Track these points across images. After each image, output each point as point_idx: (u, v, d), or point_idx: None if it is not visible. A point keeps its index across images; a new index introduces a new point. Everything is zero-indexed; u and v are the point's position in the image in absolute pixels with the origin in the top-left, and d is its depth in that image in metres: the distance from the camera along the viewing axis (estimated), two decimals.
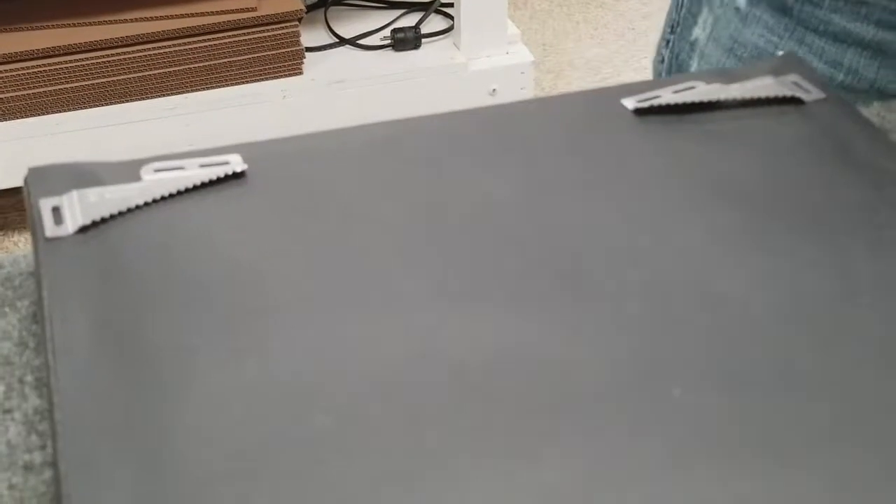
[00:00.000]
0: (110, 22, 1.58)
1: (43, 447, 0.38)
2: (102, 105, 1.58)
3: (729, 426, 0.35)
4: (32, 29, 1.56)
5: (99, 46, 1.55)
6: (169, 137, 1.60)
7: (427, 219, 0.44)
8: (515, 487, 0.33)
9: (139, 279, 0.41)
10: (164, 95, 1.60)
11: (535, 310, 0.39)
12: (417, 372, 0.37)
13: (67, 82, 1.56)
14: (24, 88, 1.54)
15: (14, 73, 1.53)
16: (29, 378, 0.41)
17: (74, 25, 1.57)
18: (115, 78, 1.57)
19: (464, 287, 0.40)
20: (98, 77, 1.56)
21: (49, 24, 1.57)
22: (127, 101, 1.59)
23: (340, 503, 0.33)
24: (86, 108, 1.58)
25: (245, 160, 0.46)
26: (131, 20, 1.58)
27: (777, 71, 0.51)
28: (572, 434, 0.35)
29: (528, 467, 0.34)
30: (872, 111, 0.58)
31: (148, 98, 1.60)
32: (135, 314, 0.39)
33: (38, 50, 1.53)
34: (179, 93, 1.61)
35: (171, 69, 1.59)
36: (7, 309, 0.44)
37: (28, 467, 0.38)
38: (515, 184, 0.45)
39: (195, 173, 0.45)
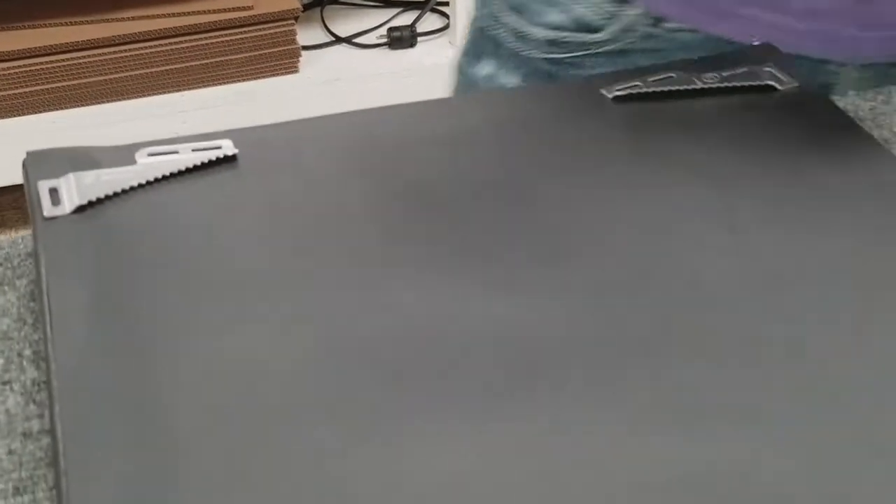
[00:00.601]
0: (107, 20, 1.59)
1: (41, 416, 0.40)
2: (99, 103, 1.60)
3: (693, 394, 0.37)
4: (29, 27, 1.58)
5: (96, 45, 1.56)
6: (165, 135, 1.61)
7: (411, 200, 0.45)
8: (485, 448, 0.35)
9: (133, 257, 0.42)
10: (160, 93, 1.62)
11: (513, 285, 0.41)
12: (397, 342, 0.38)
13: (64, 80, 1.57)
14: (22, 86, 1.56)
15: (11, 71, 1.55)
16: (27, 352, 0.43)
17: (71, 24, 1.58)
18: (111, 76, 1.59)
19: (445, 264, 0.42)
20: (95, 75, 1.58)
21: (46, 22, 1.58)
22: (124, 99, 1.61)
23: (321, 465, 0.35)
24: (82, 105, 1.59)
25: (236, 145, 0.48)
26: (128, 18, 1.59)
27: (753, 60, 0.53)
28: (545, 399, 0.36)
29: (499, 430, 0.35)
30: (848, 101, 0.59)
31: (144, 96, 1.61)
32: (128, 290, 0.41)
33: (35, 48, 1.54)
34: (176, 91, 1.62)
35: (168, 67, 1.61)
36: (6, 287, 0.46)
37: (27, 434, 0.39)
38: (496, 166, 0.47)
39: (188, 157, 0.47)
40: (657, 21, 0.58)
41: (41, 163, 0.46)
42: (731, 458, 0.34)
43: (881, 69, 0.60)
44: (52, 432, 0.37)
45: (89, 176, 0.45)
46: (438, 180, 0.47)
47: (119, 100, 1.60)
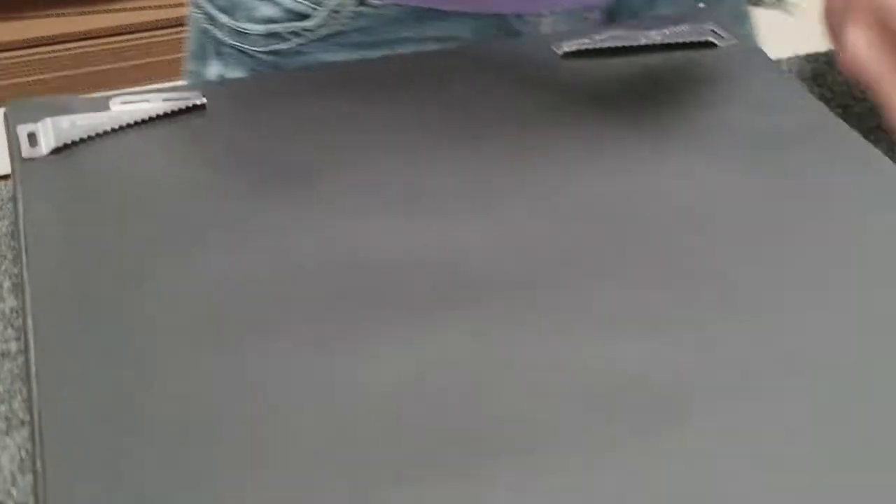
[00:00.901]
0: (106, 11, 1.62)
1: (17, 339, 0.43)
2: (98, 92, 1.62)
3: (615, 306, 0.40)
4: (27, 18, 1.61)
5: (95, 35, 1.59)
6: None
7: (365, 146, 0.48)
8: (424, 356, 0.38)
9: (104, 195, 0.46)
10: (155, 83, 1.65)
11: (450, 219, 0.44)
12: (350, 267, 0.42)
13: (63, 70, 1.60)
14: (20, 76, 1.58)
15: (8, 62, 1.57)
16: (7, 284, 0.46)
17: (71, 14, 1.61)
18: (110, 66, 1.61)
19: (393, 200, 0.45)
20: (94, 65, 1.60)
21: (45, 12, 1.61)
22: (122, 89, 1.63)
23: (267, 369, 0.38)
24: (82, 94, 1.62)
25: (205, 95, 0.51)
26: (129, 9, 1.61)
27: (695, 19, 0.56)
28: (477, 311, 0.40)
29: (423, 336, 0.39)
30: (793, 62, 0.62)
31: (139, 86, 1.64)
32: (99, 225, 0.44)
33: (33, 38, 1.57)
34: (170, 81, 1.65)
35: (167, 58, 1.63)
36: None
37: (5, 354, 0.42)
38: (453, 116, 0.50)
39: (158, 105, 0.50)
40: (362, 0, 0.61)
41: (21, 110, 0.49)
42: (643, 360, 0.38)
43: (577, 14, 0.62)
44: (25, 351, 0.40)
45: (65, 121, 0.48)
46: (396, 129, 0.50)
47: (114, 90, 1.63)
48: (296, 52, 0.61)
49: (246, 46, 0.62)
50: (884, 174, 0.47)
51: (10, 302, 0.45)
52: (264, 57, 0.62)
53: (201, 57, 0.65)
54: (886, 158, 0.47)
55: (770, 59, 0.55)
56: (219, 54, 0.63)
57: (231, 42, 0.62)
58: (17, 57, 1.57)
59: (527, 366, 0.38)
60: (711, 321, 0.39)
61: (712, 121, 0.50)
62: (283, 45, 0.61)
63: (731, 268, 0.42)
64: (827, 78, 0.61)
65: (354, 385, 0.37)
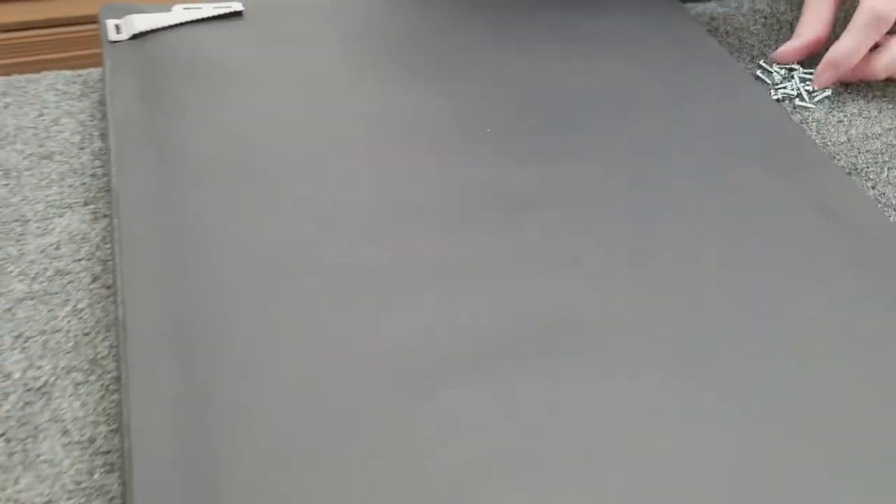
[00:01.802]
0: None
1: (103, 166, 0.61)
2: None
3: (512, 145, 0.57)
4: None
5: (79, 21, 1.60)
6: None
7: (349, 54, 0.66)
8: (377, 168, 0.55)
9: (166, 66, 0.63)
10: None
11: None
12: (326, 120, 0.59)
13: (65, 51, 1.61)
14: (19, 56, 1.60)
15: (8, 42, 1.59)
16: (96, 133, 0.64)
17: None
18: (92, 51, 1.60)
19: (363, 78, 0.63)
20: (94, 48, 1.60)
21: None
22: None
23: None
24: None
25: (244, 5, 0.69)
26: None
27: None
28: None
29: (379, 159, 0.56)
30: (707, 6, 0.79)
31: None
32: (163, 85, 0.62)
33: (42, 21, 1.58)
34: None
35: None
36: (83, 98, 0.67)
37: (94, 175, 0.60)
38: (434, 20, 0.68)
39: (208, 10, 0.68)
40: None
41: (110, 10, 0.67)
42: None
43: None
44: (108, 176, 0.58)
45: (139, 17, 0.66)
46: (391, 36, 0.67)
47: None
48: None
49: None
50: (728, 73, 0.63)
51: (98, 143, 0.63)
52: None
53: None
54: (733, 59, 0.64)
55: None
56: None
57: None
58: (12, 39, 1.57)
59: (433, 177, 0.55)
60: (581, 154, 0.56)
61: (610, 30, 0.67)
62: None
63: (603, 125, 0.59)
64: (734, 19, 0.77)
65: (328, 164, 0.55)
